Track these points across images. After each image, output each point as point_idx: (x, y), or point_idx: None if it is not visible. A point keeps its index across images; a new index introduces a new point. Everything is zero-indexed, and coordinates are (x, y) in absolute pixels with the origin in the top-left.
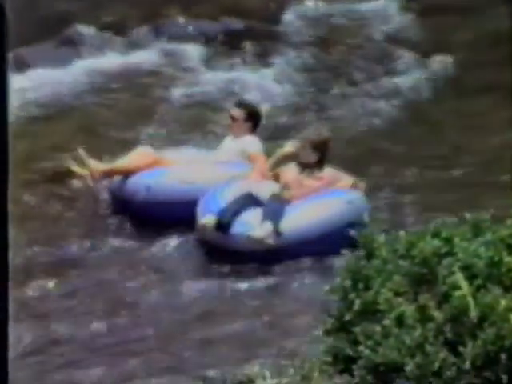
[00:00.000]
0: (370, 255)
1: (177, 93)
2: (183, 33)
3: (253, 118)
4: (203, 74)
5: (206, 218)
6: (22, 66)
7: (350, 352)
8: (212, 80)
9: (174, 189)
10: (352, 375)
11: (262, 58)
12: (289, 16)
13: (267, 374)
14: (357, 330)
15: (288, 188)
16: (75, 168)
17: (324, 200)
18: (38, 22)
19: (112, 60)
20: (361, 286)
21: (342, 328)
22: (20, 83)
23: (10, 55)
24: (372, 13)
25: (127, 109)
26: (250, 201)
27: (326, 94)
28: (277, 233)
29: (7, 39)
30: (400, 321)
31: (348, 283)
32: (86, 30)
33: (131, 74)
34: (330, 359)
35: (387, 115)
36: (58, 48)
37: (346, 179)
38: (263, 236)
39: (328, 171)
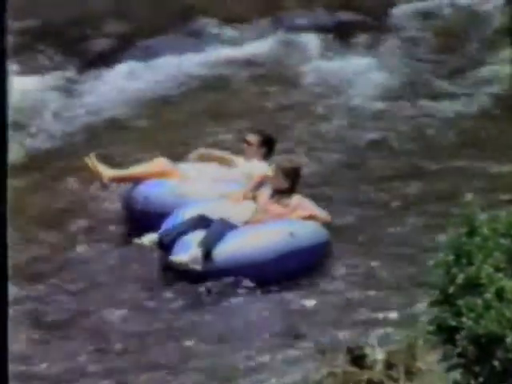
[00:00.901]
0: (471, 233)
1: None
2: (300, 24)
3: (267, 144)
4: (318, 63)
5: (145, 237)
6: (150, 55)
7: (453, 323)
8: (326, 68)
9: (168, 201)
10: (454, 345)
11: (373, 49)
12: (398, 10)
13: (375, 342)
14: (460, 302)
15: (257, 212)
16: (94, 165)
17: (266, 229)
18: (165, 14)
19: (234, 50)
20: (463, 261)
21: (446, 300)
22: (147, 72)
23: (140, 45)
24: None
25: (250, 95)
26: (201, 222)
27: (432, 85)
28: (208, 257)
29: (6, 38)
30: (500, 295)
31: (451, 258)
32: (209, 22)
33: (252, 64)
34: (434, 329)
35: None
36: (183, 39)
37: (308, 209)
38: (186, 261)
39: (295, 199)
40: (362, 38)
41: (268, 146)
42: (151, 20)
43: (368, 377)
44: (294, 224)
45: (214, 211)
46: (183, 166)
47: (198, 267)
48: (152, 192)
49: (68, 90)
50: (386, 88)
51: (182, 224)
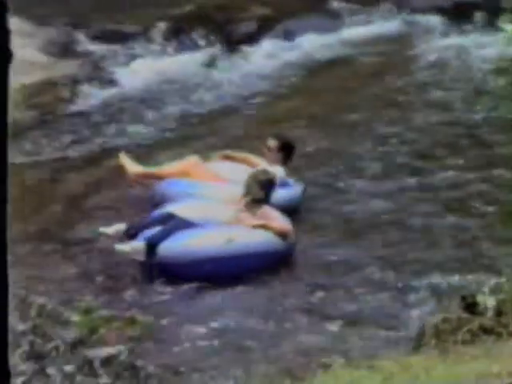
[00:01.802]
0: None
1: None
2: (421, 5)
3: (285, 149)
4: (440, 41)
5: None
6: (291, 35)
7: None
8: (447, 46)
9: (180, 200)
10: None
11: (489, 27)
12: None
13: (486, 289)
14: None
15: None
16: (122, 161)
17: (211, 231)
18: None
19: (360, 30)
20: None
21: None
22: (286, 51)
23: (280, 26)
24: None
25: (377, 72)
26: (167, 219)
27: None
28: (153, 252)
29: (9, 37)
30: None
31: None
32: (341, 4)
33: (381, 41)
34: None
35: None
36: (320, 20)
37: (269, 219)
38: (128, 251)
39: (264, 209)
40: (477, 18)
41: (287, 151)
42: (291, 3)
43: (480, 323)
44: (240, 231)
45: (195, 210)
46: (215, 166)
47: (139, 258)
48: (168, 190)
49: (216, 67)
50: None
51: (149, 219)
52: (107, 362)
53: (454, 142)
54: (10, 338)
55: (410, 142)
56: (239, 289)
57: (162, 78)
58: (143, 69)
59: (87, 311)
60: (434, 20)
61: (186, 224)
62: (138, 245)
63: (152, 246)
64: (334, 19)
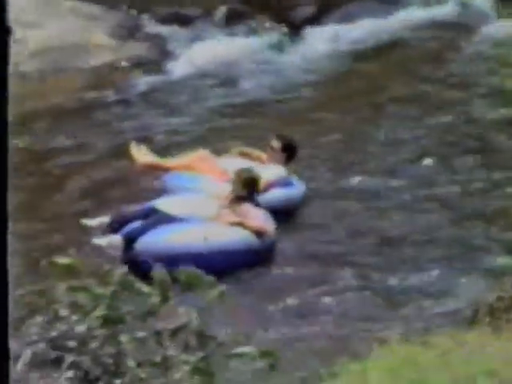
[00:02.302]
0: None
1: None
2: None
3: (288, 150)
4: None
5: (98, 218)
6: (350, 18)
7: None
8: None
9: (177, 193)
10: None
11: None
12: None
13: None
14: None
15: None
16: (134, 152)
17: (188, 228)
18: None
19: (418, 13)
20: None
21: None
22: (345, 34)
23: (340, 10)
24: None
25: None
26: (150, 214)
27: None
28: (130, 246)
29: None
30: None
31: None
32: None
33: (436, 25)
34: None
35: None
36: (378, 4)
37: (248, 218)
38: (104, 245)
39: (244, 207)
40: None
41: (289, 152)
42: None
43: None
44: (217, 228)
45: (179, 205)
46: (224, 161)
47: (116, 253)
48: (168, 183)
49: (280, 50)
50: None
51: (132, 213)
52: (175, 332)
53: None
54: (86, 300)
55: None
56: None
57: (223, 61)
58: (205, 51)
59: (161, 283)
60: (487, 3)
61: (167, 219)
62: (115, 239)
63: (129, 240)
64: (392, 3)
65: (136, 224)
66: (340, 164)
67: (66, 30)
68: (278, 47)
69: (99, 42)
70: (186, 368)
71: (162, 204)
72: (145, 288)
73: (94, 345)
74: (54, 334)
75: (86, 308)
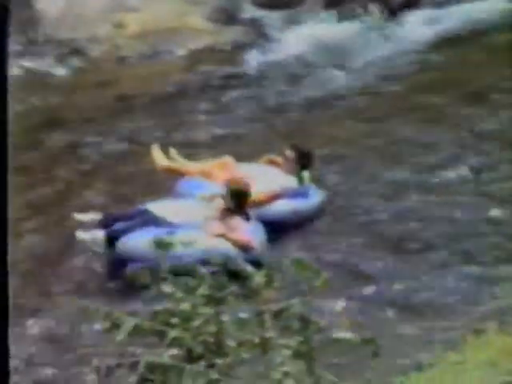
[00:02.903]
0: None
1: None
2: None
3: (302, 160)
4: None
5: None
6: (444, 3)
7: None
8: None
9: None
10: None
11: None
12: None
13: None
14: None
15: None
16: (155, 154)
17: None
18: None
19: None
20: None
21: None
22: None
23: None
24: None
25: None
26: (140, 215)
27: None
28: (112, 244)
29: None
30: None
31: None
32: None
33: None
34: None
35: None
36: None
37: (234, 231)
38: (86, 240)
39: (234, 220)
40: None
41: (303, 163)
42: None
43: None
44: (201, 237)
45: (172, 209)
46: (248, 168)
47: (98, 249)
48: (180, 188)
49: (377, 33)
50: None
51: (124, 212)
52: (277, 315)
53: None
54: (190, 279)
55: None
56: None
57: (321, 44)
58: (303, 35)
59: (267, 265)
60: None
61: (155, 221)
62: (98, 235)
63: (112, 238)
64: None
65: (124, 223)
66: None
67: (164, 13)
68: (377, 30)
69: (197, 25)
70: (287, 352)
71: (155, 206)
72: (249, 268)
73: (196, 323)
74: (158, 308)
75: (190, 287)
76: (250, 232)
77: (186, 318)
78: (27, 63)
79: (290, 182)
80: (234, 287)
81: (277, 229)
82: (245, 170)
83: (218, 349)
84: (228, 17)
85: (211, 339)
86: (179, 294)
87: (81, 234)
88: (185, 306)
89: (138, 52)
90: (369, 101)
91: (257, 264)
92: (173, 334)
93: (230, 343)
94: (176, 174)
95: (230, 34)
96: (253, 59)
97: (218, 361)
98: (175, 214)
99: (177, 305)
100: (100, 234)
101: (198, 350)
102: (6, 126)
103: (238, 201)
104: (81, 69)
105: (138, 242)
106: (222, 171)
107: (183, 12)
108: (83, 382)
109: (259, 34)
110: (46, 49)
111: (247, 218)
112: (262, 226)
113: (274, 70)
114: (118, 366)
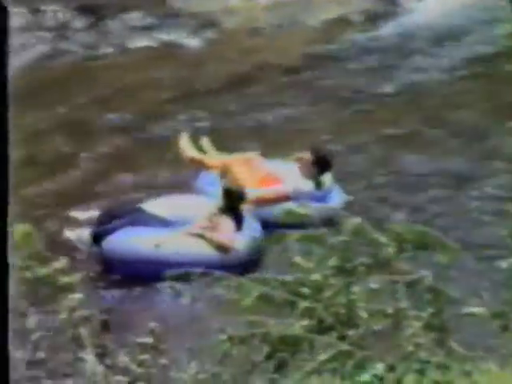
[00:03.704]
0: None
1: None
2: None
3: (320, 163)
4: None
5: (89, 212)
6: None
7: None
8: None
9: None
10: None
11: None
12: None
13: None
14: None
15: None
16: (182, 144)
17: (145, 234)
18: None
19: None
20: None
21: None
22: None
23: None
24: None
25: None
26: (132, 212)
27: None
28: (97, 242)
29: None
30: None
31: None
32: None
33: None
34: None
35: None
36: None
37: (216, 231)
38: (73, 238)
39: (221, 219)
40: None
41: (321, 166)
42: None
43: None
44: (178, 238)
45: (166, 206)
46: (272, 164)
47: (83, 247)
48: (198, 181)
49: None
50: None
51: (120, 210)
52: (410, 286)
53: None
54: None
55: None
56: None
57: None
58: (438, 5)
59: (398, 235)
60: None
61: (145, 220)
62: (83, 234)
63: (96, 237)
64: None
65: (112, 223)
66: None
67: None
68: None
69: None
70: (418, 324)
71: (149, 204)
72: (380, 238)
73: (327, 294)
74: (289, 279)
75: (320, 257)
76: (233, 233)
77: (317, 289)
78: (162, 35)
79: (305, 185)
80: (364, 257)
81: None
82: (269, 167)
83: (349, 320)
84: None
85: (342, 310)
86: (309, 265)
87: (67, 233)
88: (315, 277)
89: (270, 23)
90: None
91: (236, 266)
92: (304, 304)
93: (362, 314)
94: (199, 166)
95: (362, 4)
96: (385, 29)
97: (349, 332)
98: (172, 212)
99: (307, 275)
100: (85, 233)
101: (329, 320)
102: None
103: (230, 201)
104: (214, 40)
105: (121, 241)
106: (243, 167)
107: None
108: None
109: (391, 4)
110: (180, 21)
111: (238, 219)
112: (258, 227)
113: (407, 40)
114: (252, 336)
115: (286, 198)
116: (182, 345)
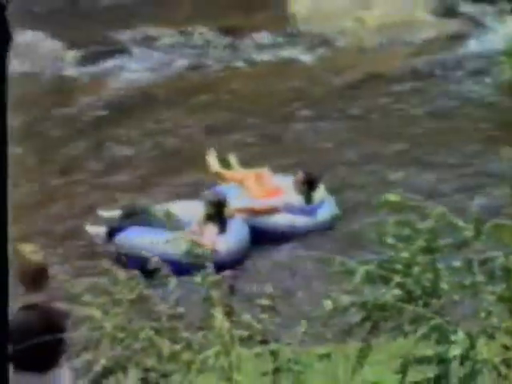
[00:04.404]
0: None
1: None
2: None
3: (309, 184)
4: None
5: (114, 211)
6: None
7: None
8: None
9: None
10: None
11: None
12: None
13: None
14: None
15: None
16: (209, 159)
17: (147, 236)
18: None
19: None
20: None
21: None
22: None
23: None
24: None
25: None
26: (142, 215)
27: None
28: (111, 238)
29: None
30: None
31: None
32: None
33: None
34: None
35: None
36: None
37: (199, 235)
38: (91, 233)
39: (206, 225)
40: None
41: (310, 186)
42: None
43: None
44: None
45: (183, 209)
46: (279, 179)
47: (99, 242)
48: (219, 192)
49: None
50: None
51: (139, 209)
52: (484, 263)
53: None
54: (410, 233)
55: None
56: None
57: None
58: None
59: (476, 220)
60: None
61: (152, 221)
62: (100, 229)
63: (111, 233)
64: None
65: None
66: None
67: (395, 9)
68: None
69: (423, 19)
70: (492, 297)
71: (170, 206)
72: (460, 223)
73: (415, 269)
74: (383, 257)
75: (409, 239)
76: (215, 237)
77: (407, 265)
78: (282, 52)
79: (296, 199)
80: (447, 239)
81: (272, 237)
82: (276, 180)
83: (433, 291)
84: (448, 10)
85: (428, 283)
86: (400, 245)
87: (88, 227)
88: (406, 255)
89: (376, 42)
90: None
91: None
92: (397, 278)
93: (444, 286)
94: (223, 179)
95: (451, 26)
96: (472, 48)
97: (433, 301)
98: (186, 214)
99: (399, 254)
100: (101, 229)
101: (417, 292)
102: (6, 126)
103: (214, 209)
104: (325, 56)
105: (129, 238)
106: (253, 180)
107: (411, 8)
108: None
109: (477, 25)
110: (298, 40)
111: (222, 223)
112: (245, 233)
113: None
114: (352, 304)
115: (276, 210)
116: (294, 308)
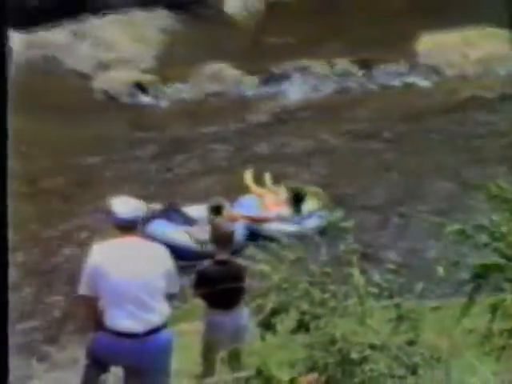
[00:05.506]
0: None
1: None
2: None
3: (295, 198)
4: None
5: (153, 204)
6: None
7: None
8: None
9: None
10: None
11: None
12: None
13: None
14: None
15: None
16: (246, 177)
17: (171, 226)
18: None
19: None
20: None
21: None
22: None
23: None
24: None
25: None
26: (171, 211)
27: None
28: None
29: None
30: None
31: None
32: None
33: None
34: None
35: None
36: None
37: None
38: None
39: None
40: None
41: (296, 200)
42: None
43: None
44: (183, 233)
45: (198, 210)
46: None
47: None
48: (240, 205)
49: None
50: None
51: (174, 206)
52: None
53: None
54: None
55: None
56: None
57: None
58: None
59: None
60: None
61: (178, 217)
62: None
63: (143, 221)
64: None
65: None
66: None
67: (493, 47)
68: None
69: None
70: None
71: (188, 207)
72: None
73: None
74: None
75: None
76: (202, 232)
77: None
78: (405, 79)
79: (285, 211)
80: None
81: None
82: (284, 195)
83: None
84: None
85: None
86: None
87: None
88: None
89: (475, 72)
90: None
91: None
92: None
93: None
94: (251, 192)
95: None
96: None
97: None
98: (198, 214)
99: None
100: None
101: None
102: (6, 126)
103: (213, 212)
104: (438, 82)
105: (156, 228)
106: (271, 196)
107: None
108: None
109: None
110: (419, 70)
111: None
112: (241, 233)
113: None
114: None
115: (269, 219)
116: (414, 270)
